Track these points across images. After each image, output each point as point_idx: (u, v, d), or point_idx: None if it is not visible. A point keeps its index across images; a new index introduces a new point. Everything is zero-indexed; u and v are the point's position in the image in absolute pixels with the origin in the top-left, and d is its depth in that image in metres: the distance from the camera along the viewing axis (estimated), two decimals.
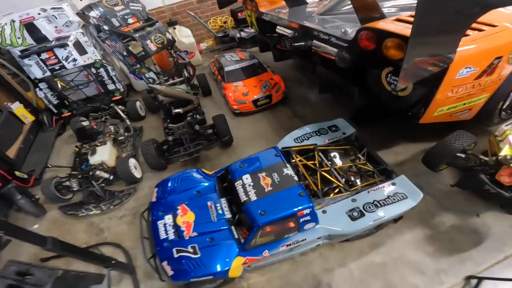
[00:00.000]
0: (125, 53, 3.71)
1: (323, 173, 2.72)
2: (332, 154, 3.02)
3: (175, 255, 2.27)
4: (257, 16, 4.65)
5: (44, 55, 4.44)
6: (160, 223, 2.51)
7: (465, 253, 2.30)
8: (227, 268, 2.19)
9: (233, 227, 2.40)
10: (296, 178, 2.45)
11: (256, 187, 2.41)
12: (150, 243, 2.48)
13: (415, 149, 3.26)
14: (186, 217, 2.47)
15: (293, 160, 2.90)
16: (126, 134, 4.38)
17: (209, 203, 2.54)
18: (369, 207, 2.30)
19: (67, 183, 3.59)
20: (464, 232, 2.43)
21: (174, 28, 6.19)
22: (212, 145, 4.03)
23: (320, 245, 2.48)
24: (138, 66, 3.94)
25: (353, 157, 3.15)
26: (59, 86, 4.90)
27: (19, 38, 4.37)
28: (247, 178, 2.48)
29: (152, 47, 3.87)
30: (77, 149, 4.17)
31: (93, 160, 3.76)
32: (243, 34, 6.89)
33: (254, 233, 2.21)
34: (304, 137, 3.17)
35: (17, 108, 4.76)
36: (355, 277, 2.33)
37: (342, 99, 4.45)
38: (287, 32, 3.80)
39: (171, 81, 4.75)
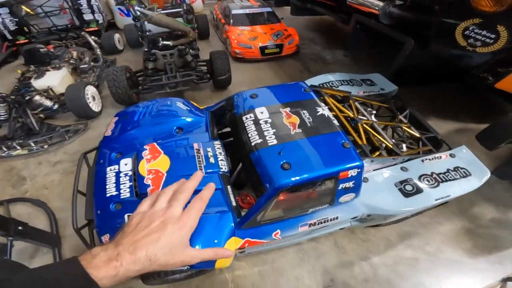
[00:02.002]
0: None
1: (365, 126, 1.72)
2: (368, 109, 2.04)
3: None
4: None
5: None
6: (110, 171, 1.40)
7: (505, 251, 1.79)
8: None
9: (229, 188, 1.36)
10: (336, 121, 1.43)
11: (277, 126, 1.36)
12: (87, 203, 1.35)
13: (449, 127, 2.69)
14: (155, 164, 1.38)
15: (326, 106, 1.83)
16: (92, 63, 3.10)
17: (195, 146, 1.45)
18: (428, 181, 1.58)
19: None
20: (505, 228, 1.94)
21: None
22: (201, 86, 3.04)
23: (345, 228, 1.66)
24: None
25: (389, 119, 2.20)
26: (23, 12, 3.92)
27: None
28: (262, 112, 1.41)
29: None
30: (19, 72, 2.84)
31: (37, 84, 2.50)
32: None
33: (268, 200, 1.19)
34: (331, 83, 2.17)
35: None
36: (381, 277, 1.62)
37: (365, 60, 3.60)
38: None
39: (165, 11, 3.52)
